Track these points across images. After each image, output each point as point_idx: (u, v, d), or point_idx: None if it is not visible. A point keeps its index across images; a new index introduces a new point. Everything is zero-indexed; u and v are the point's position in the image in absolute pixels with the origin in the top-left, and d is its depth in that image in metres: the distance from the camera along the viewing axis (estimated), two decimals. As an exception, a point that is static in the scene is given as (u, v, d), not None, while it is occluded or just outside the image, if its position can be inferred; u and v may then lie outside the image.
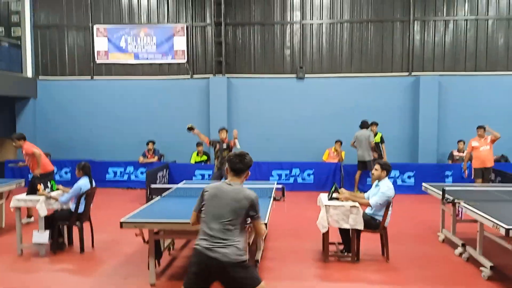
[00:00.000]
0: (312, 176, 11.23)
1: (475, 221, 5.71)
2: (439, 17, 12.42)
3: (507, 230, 4.45)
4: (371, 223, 5.79)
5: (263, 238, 6.39)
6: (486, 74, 12.24)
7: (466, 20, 12.35)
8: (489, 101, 12.07)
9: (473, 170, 9.48)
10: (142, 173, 11.57)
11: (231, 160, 3.49)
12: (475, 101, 12.12)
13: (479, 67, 12.34)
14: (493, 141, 9.26)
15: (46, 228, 6.02)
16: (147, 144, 11.83)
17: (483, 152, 9.23)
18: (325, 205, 5.65)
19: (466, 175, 9.89)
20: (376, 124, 10.91)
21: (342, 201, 5.75)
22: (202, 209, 3.45)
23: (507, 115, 11.96)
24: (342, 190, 6.03)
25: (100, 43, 13.15)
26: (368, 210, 5.94)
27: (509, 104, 12.05)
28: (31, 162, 7.70)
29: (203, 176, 11.25)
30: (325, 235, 5.84)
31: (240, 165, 3.46)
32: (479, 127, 9.32)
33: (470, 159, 9.64)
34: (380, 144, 10.88)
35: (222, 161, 8.81)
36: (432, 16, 12.43)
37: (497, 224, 4.64)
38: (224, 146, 9.02)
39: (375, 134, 10.87)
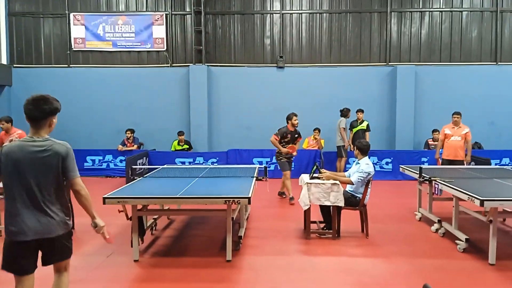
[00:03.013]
0: (292, 163, 11.30)
1: (451, 199, 5.92)
2: (415, 9, 12.68)
3: (482, 201, 4.63)
4: (351, 201, 5.93)
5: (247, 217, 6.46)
6: (460, 64, 12.58)
7: (441, 12, 12.65)
8: (463, 91, 12.42)
9: (441, 160, 8.79)
10: (121, 161, 11.45)
11: (26, 108, 2.94)
12: (450, 91, 12.44)
13: (454, 58, 12.68)
14: (466, 140, 8.53)
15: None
16: (126, 132, 11.72)
17: (454, 142, 8.46)
18: (307, 183, 5.74)
19: (439, 163, 9.06)
20: (361, 111, 11.12)
21: (324, 179, 5.85)
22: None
23: (479, 104, 12.33)
24: (324, 170, 6.14)
25: (77, 31, 12.91)
26: (348, 188, 6.08)
27: (482, 94, 12.42)
28: None
29: (183, 163, 11.21)
30: (307, 213, 5.95)
31: (36, 113, 2.93)
32: (455, 113, 8.55)
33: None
34: (365, 132, 10.99)
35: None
36: (409, 8, 12.68)
37: (472, 196, 4.82)
38: (296, 135, 8.61)
39: (361, 122, 11.05)
